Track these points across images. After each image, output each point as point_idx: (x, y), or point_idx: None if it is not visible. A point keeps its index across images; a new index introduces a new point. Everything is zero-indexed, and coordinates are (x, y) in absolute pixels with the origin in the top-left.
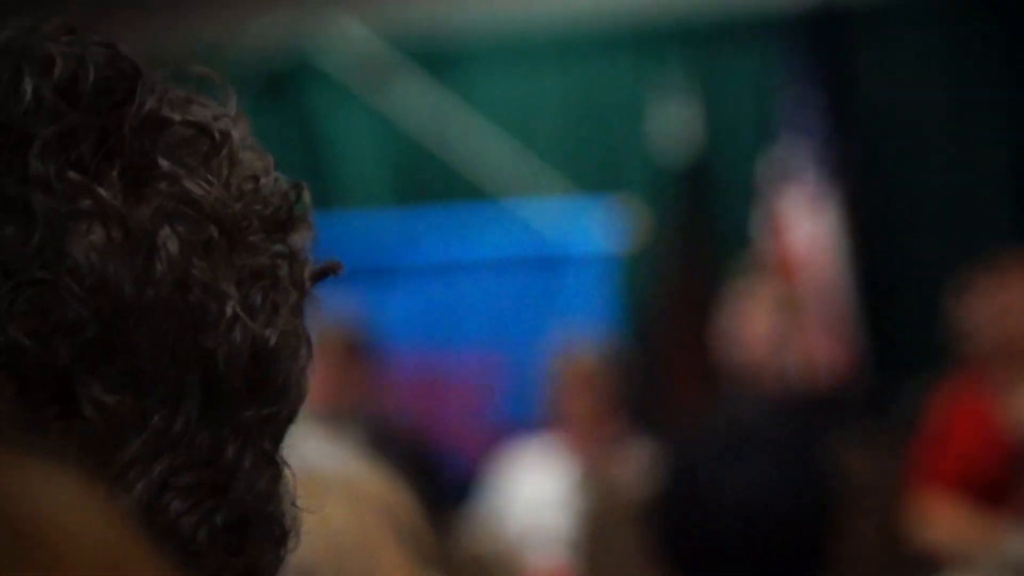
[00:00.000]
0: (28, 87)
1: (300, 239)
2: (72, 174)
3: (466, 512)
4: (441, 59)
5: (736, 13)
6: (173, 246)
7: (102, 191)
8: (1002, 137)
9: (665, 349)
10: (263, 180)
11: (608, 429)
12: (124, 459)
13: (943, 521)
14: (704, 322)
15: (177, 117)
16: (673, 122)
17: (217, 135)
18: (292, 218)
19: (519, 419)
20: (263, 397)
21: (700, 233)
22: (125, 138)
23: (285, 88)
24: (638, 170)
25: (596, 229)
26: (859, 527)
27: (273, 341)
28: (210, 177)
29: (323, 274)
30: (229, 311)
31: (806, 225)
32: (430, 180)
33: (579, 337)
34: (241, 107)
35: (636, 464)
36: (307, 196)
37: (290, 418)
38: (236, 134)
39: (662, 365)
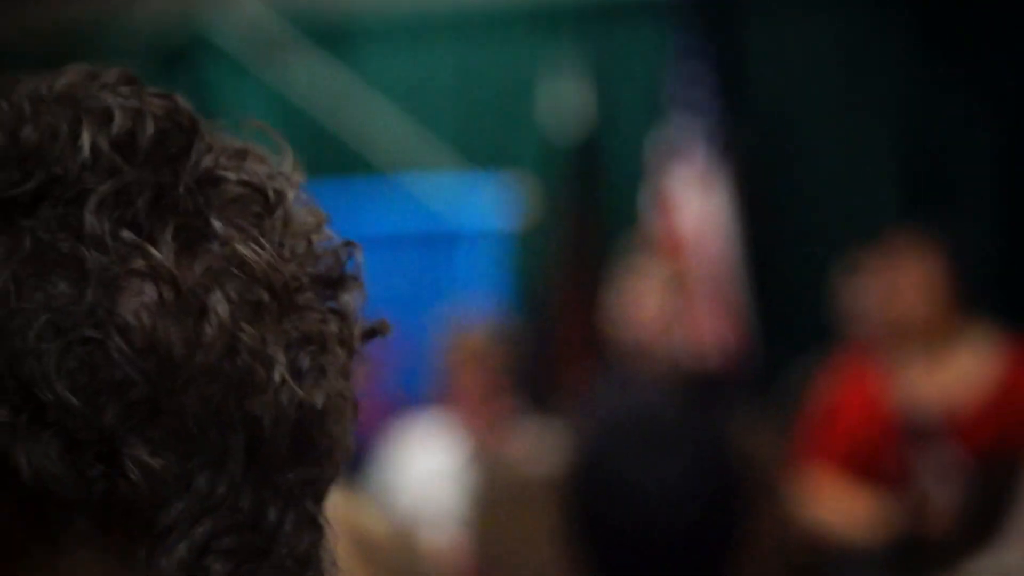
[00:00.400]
0: (86, 141)
1: (351, 298)
2: (126, 233)
3: (356, 487)
4: (335, 35)
5: None
6: (223, 310)
7: (155, 251)
8: (890, 116)
9: (555, 327)
10: (315, 239)
11: (498, 405)
12: (167, 521)
13: (829, 500)
14: (593, 300)
15: (232, 176)
16: (564, 99)
17: (271, 195)
18: (343, 277)
19: (409, 394)
20: (307, 460)
21: (590, 210)
22: (180, 196)
23: (179, 62)
24: (530, 147)
25: (487, 206)
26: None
27: (319, 405)
28: (262, 239)
29: (372, 334)
30: (276, 376)
31: (695, 203)
32: (323, 155)
33: (470, 313)
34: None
35: (526, 441)
36: (359, 255)
37: (333, 479)
38: (290, 193)
39: (552, 342)
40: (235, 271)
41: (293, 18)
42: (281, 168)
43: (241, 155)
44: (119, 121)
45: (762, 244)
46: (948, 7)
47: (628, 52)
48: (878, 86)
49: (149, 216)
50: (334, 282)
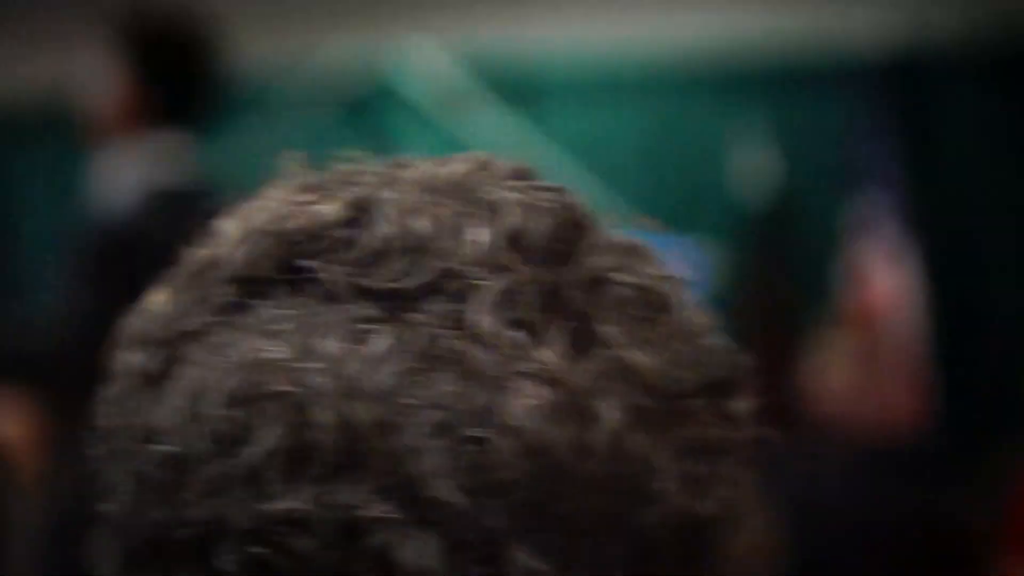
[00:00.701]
0: (478, 235)
1: (741, 403)
2: (514, 332)
3: None
4: (521, 88)
5: (820, 59)
6: (612, 416)
7: (544, 352)
8: None
9: None
10: (704, 342)
11: None
12: None
13: None
14: (781, 370)
15: (622, 277)
16: (753, 165)
17: (660, 297)
18: (733, 381)
19: None
20: (690, 573)
21: (778, 279)
22: (569, 297)
23: (362, 111)
24: (716, 212)
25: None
26: None
27: (707, 516)
28: (651, 343)
29: (762, 440)
30: (664, 486)
31: (885, 276)
32: None
33: None
34: (318, 128)
35: None
36: (747, 360)
37: None
38: (679, 295)
39: None
40: (622, 376)
41: (479, 70)
42: (667, 267)
43: (630, 252)
44: (512, 216)
45: (952, 319)
46: None
47: (819, 119)
48: None
49: (538, 316)
50: (724, 387)
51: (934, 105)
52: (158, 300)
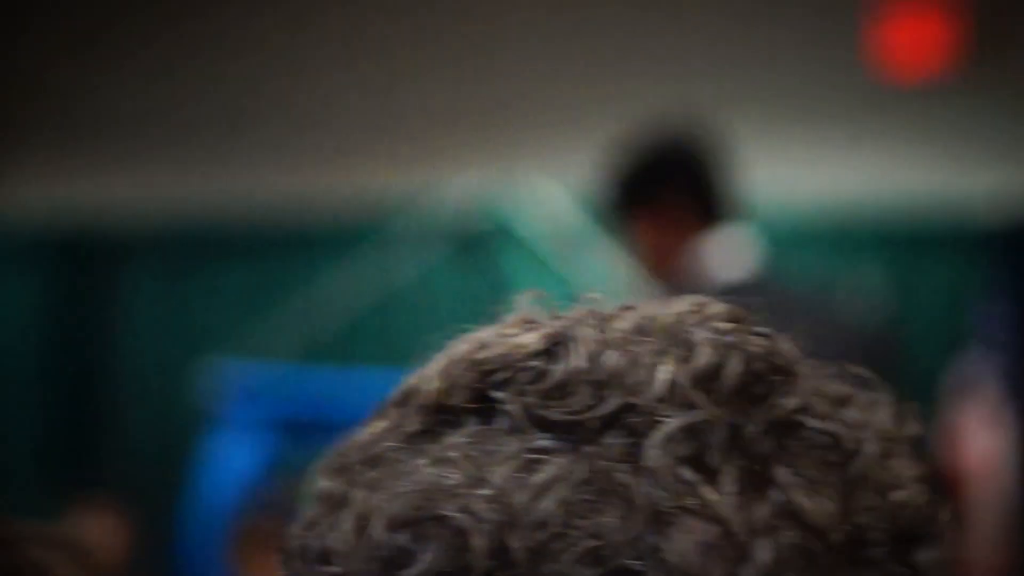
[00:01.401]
0: (665, 372)
1: (928, 555)
2: (687, 470)
3: None
4: None
5: (936, 221)
6: (765, 555)
7: (711, 492)
8: None
9: None
10: (896, 494)
11: None
12: None
13: None
14: None
15: (813, 423)
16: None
17: (851, 446)
18: (923, 533)
19: None
20: None
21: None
22: (750, 439)
23: (478, 250)
24: None
25: None
26: None
27: None
28: (828, 490)
29: None
30: None
31: (982, 439)
32: None
33: None
34: (434, 264)
35: None
36: (945, 512)
37: None
38: (877, 446)
39: None
40: (790, 518)
41: (596, 211)
42: (883, 417)
43: (841, 402)
44: (704, 356)
45: None
46: None
47: (933, 281)
48: None
49: (714, 454)
50: (911, 538)
51: None
52: (364, 427)
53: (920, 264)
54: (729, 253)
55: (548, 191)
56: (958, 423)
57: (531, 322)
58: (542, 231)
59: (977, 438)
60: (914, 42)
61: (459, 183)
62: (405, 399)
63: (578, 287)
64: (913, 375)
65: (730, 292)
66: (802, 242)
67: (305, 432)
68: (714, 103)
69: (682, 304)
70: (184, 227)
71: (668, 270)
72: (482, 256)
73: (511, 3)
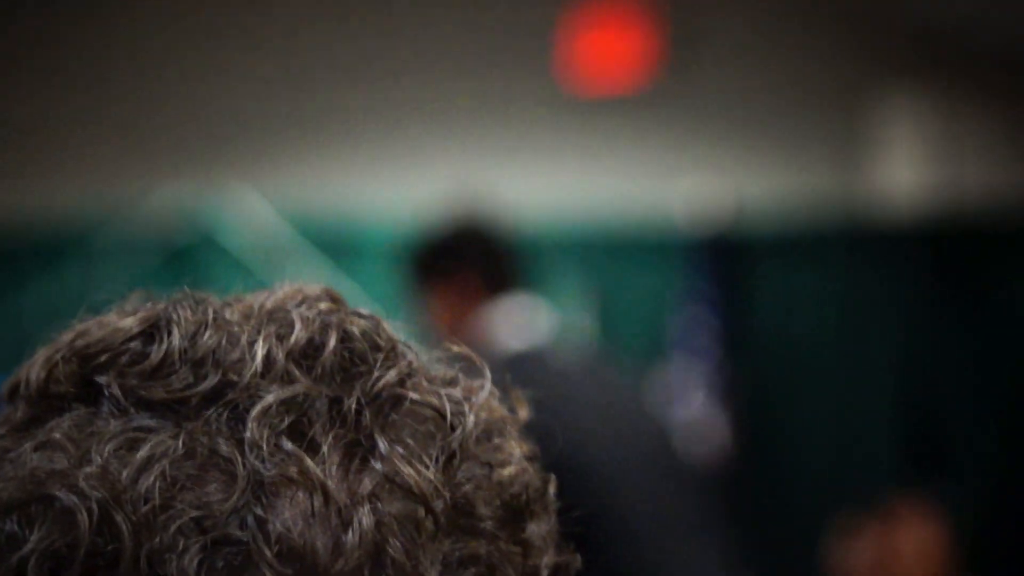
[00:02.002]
0: (261, 349)
1: (538, 529)
2: (286, 442)
3: None
4: (339, 242)
5: (635, 230)
6: (368, 522)
7: (311, 462)
8: (890, 372)
9: None
10: (504, 469)
11: None
12: None
13: None
14: None
15: (414, 395)
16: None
17: (451, 419)
18: (529, 508)
19: None
20: None
21: None
22: (350, 411)
23: (185, 259)
24: None
25: None
26: None
27: None
28: (428, 460)
29: (561, 569)
30: None
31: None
32: None
33: None
34: (140, 277)
35: None
36: (553, 488)
37: None
38: (477, 419)
39: None
40: (392, 487)
41: (299, 222)
42: (488, 398)
43: (445, 383)
44: (300, 333)
45: (755, 498)
46: (950, 263)
47: (632, 288)
48: (878, 340)
49: (316, 428)
50: (518, 512)
51: (748, 281)
52: None
53: (620, 273)
54: (515, 322)
55: (253, 202)
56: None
57: (131, 310)
58: (247, 242)
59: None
60: (608, 54)
61: (163, 194)
62: (13, 392)
63: None
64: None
65: (512, 360)
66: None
67: None
68: (399, 113)
69: (285, 289)
70: None
71: (458, 337)
72: (188, 267)
73: (219, 14)
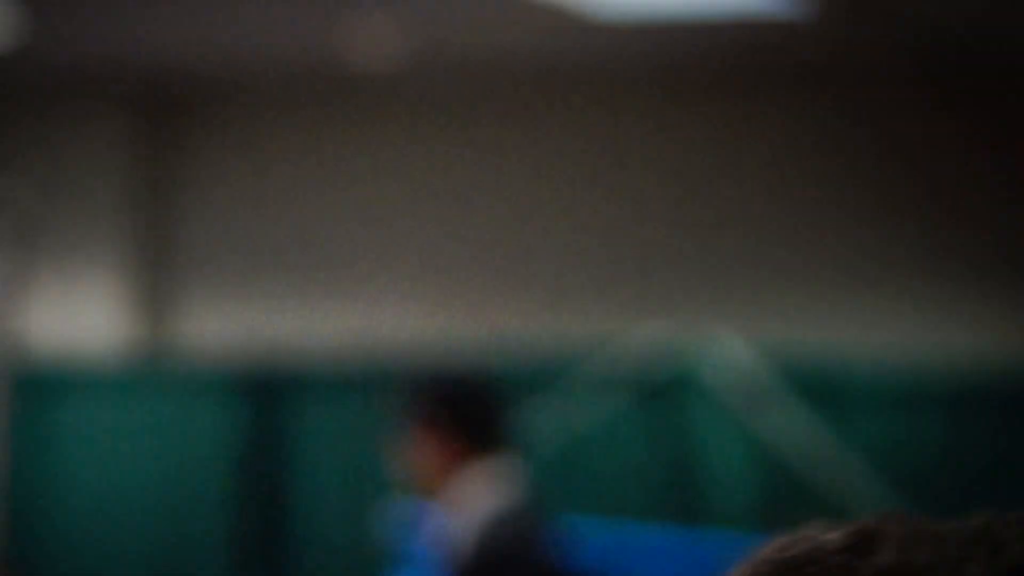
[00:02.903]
0: (975, 570)
1: None
2: None
3: None
4: (823, 390)
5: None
6: None
7: None
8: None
9: None
10: None
11: None
12: None
13: None
14: None
15: None
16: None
17: None
18: None
19: None
20: None
21: None
22: None
23: (662, 398)
24: None
25: None
26: None
27: None
28: None
29: None
30: None
31: None
32: (798, 511)
33: None
34: (616, 411)
35: None
36: None
37: None
38: None
39: None
40: None
41: (781, 365)
42: None
43: None
44: (1013, 552)
45: None
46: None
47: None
48: None
49: None
50: None
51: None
52: None
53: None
54: (493, 482)
55: (734, 346)
56: None
57: (834, 527)
58: (727, 383)
59: None
60: None
61: (643, 332)
62: None
63: (764, 442)
64: None
65: (490, 519)
66: (990, 399)
67: None
68: None
69: (986, 516)
70: (365, 362)
71: (436, 489)
72: (667, 404)
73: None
